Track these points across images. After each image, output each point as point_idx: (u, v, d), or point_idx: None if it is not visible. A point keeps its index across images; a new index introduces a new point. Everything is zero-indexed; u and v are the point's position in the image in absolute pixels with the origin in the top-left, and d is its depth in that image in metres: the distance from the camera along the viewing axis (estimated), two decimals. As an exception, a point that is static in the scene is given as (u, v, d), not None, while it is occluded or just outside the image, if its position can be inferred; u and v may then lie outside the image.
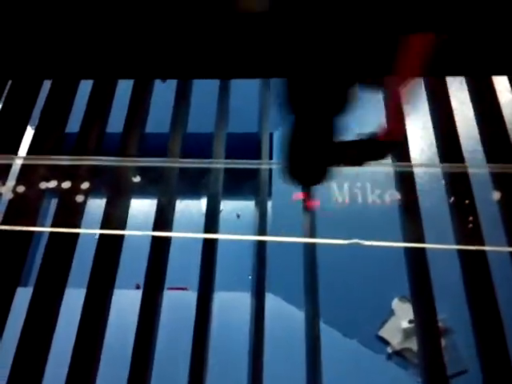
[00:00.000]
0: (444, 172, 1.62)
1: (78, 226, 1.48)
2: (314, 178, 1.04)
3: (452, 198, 1.58)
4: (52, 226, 1.48)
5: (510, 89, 1.81)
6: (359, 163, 1.04)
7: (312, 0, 0.85)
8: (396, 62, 0.91)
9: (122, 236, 1.52)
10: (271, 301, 2.15)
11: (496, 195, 1.59)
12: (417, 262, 1.56)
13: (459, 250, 1.55)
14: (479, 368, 1.45)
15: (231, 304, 1.94)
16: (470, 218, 1.54)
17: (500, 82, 1.80)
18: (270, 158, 1.94)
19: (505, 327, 1.43)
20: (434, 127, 1.74)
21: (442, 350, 1.49)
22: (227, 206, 3.15)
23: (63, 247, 1.50)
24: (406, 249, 1.58)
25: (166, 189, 1.59)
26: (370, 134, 1.02)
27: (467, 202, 1.57)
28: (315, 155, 0.98)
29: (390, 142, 1.00)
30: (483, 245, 1.52)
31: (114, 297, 1.52)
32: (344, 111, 0.94)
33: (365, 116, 1.22)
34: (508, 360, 1.40)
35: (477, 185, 1.59)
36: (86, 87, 1.78)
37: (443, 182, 1.60)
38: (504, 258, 1.54)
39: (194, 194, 1.74)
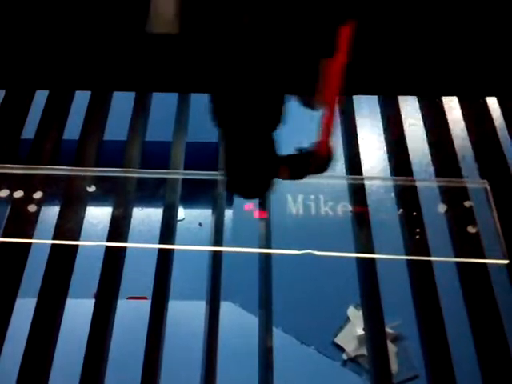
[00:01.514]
0: (394, 185, 1.69)
1: (31, 236, 1.47)
2: (253, 191, 1.07)
3: (401, 210, 1.65)
4: (3, 235, 1.46)
5: (459, 107, 1.91)
6: (293, 177, 1.08)
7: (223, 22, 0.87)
8: (320, 82, 0.95)
9: (76, 246, 1.51)
10: (228, 308, 2.18)
11: (442, 208, 1.66)
12: (367, 271, 1.61)
13: (407, 260, 1.62)
14: (426, 373, 1.51)
15: (186, 312, 1.95)
16: (418, 230, 1.61)
17: (449, 101, 1.90)
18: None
19: (448, 333, 1.50)
20: (386, 142, 1.82)
21: (389, 356, 1.55)
22: (189, 215, 3.16)
23: (14, 257, 1.48)
24: (358, 258, 1.64)
25: (122, 198, 1.59)
26: (302, 149, 1.06)
27: (415, 213, 1.64)
28: (249, 168, 1.00)
29: (320, 157, 1.05)
30: (429, 255, 1.59)
31: (67, 306, 1.51)
32: (274, 126, 0.97)
33: (297, 132, 1.27)
34: (451, 365, 1.47)
35: (424, 198, 1.67)
36: (41, 98, 1.77)
37: (392, 194, 1.66)
38: (449, 268, 1.61)
39: (152, 203, 1.74)
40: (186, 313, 1.96)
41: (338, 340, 2.41)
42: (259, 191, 1.09)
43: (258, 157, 1.00)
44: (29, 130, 1.75)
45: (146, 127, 1.87)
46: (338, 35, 0.91)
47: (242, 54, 0.91)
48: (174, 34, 0.93)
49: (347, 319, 2.43)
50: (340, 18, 0.90)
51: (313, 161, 1.06)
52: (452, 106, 1.89)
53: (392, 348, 2.30)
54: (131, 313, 1.82)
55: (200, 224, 3.49)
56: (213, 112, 0.98)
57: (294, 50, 0.94)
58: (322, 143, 1.04)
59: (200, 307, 1.68)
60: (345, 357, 2.38)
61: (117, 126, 1.83)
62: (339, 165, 1.67)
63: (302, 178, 1.10)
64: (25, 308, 1.46)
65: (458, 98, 1.90)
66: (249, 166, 1.01)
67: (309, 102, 1.07)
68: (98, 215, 1.73)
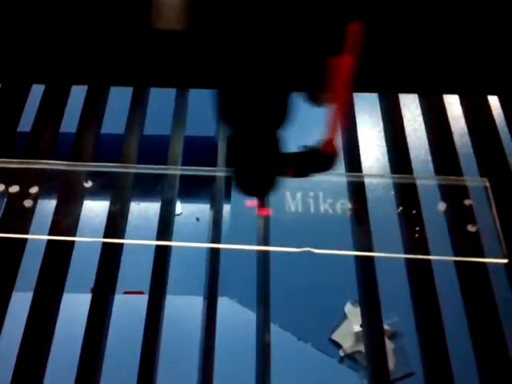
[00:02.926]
0: (393, 183, 1.67)
1: (27, 231, 1.46)
2: (259, 189, 1.07)
3: (400, 208, 1.63)
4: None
5: (459, 106, 1.89)
6: (298, 174, 1.07)
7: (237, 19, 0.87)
8: (327, 80, 0.95)
9: (73, 240, 1.50)
10: (226, 304, 2.17)
11: (442, 206, 1.65)
12: (365, 269, 1.61)
13: (406, 258, 1.61)
14: (423, 370, 1.51)
15: (184, 307, 1.94)
16: (417, 228, 1.60)
17: (450, 99, 1.88)
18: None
19: (446, 330, 1.50)
20: (386, 140, 1.81)
21: (386, 353, 1.55)
22: (187, 210, 3.14)
23: (10, 252, 1.47)
24: (356, 256, 1.63)
25: (119, 193, 1.57)
26: (308, 146, 1.05)
27: (414, 212, 1.63)
28: (257, 166, 1.00)
29: (326, 155, 1.04)
30: (428, 254, 1.58)
31: (64, 300, 1.50)
32: (280, 123, 0.97)
33: (305, 129, 1.26)
34: (448, 362, 1.47)
35: (424, 195, 1.66)
36: (37, 92, 1.75)
37: (392, 192, 1.65)
38: (448, 266, 1.60)
39: (149, 197, 1.73)
40: (182, 307, 1.95)
41: (335, 336, 2.41)
42: (264, 188, 1.09)
43: (263, 154, 1.00)
44: (25, 124, 1.73)
45: (143, 121, 1.85)
46: (346, 33, 0.90)
47: (249, 51, 0.89)
48: (180, 30, 0.91)
49: (344, 316, 2.43)
50: (348, 17, 0.89)
51: (319, 158, 1.05)
52: (453, 104, 1.87)
53: (389, 345, 2.29)
54: (128, 307, 1.81)
55: (197, 219, 3.48)
56: (218, 109, 0.97)
57: (302, 48, 0.93)
58: (329, 141, 1.03)
59: (197, 302, 1.68)
60: (341, 353, 2.38)
61: (114, 121, 1.81)
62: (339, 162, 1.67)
63: (307, 175, 1.09)
64: (21, 302, 1.45)
65: (459, 96, 1.88)
66: (254, 163, 1.00)
67: (315, 100, 1.06)
68: (94, 210, 1.72)
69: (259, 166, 1.00)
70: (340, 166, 1.66)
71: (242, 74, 0.91)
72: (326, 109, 1.01)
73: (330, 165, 1.06)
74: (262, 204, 1.63)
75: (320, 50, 0.96)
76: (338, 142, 1.04)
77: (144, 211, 2.91)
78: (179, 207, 3.30)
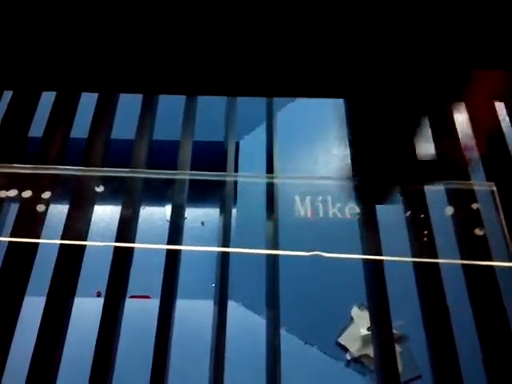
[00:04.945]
0: (402, 187, 1.69)
1: (39, 236, 1.47)
2: (386, 195, 1.04)
3: (408, 213, 1.65)
4: (11, 235, 1.46)
5: (465, 111, 1.91)
6: (428, 182, 1.05)
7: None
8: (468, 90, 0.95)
9: (84, 245, 1.51)
10: (234, 309, 2.18)
11: (449, 210, 1.67)
12: (374, 272, 1.62)
13: (414, 262, 1.62)
14: (431, 373, 1.52)
15: (193, 312, 1.95)
16: (425, 232, 1.61)
17: (456, 105, 1.89)
18: (236, 166, 1.97)
19: (454, 334, 1.50)
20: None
21: (396, 356, 1.55)
22: (192, 214, 3.16)
23: (23, 257, 1.48)
24: (365, 260, 1.64)
25: (130, 198, 1.59)
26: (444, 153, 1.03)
27: (422, 216, 1.64)
28: (389, 173, 0.99)
29: (463, 163, 1.03)
30: (436, 257, 1.59)
31: (75, 305, 1.51)
32: (413, 136, 0.96)
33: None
34: (457, 365, 1.47)
35: (431, 200, 1.67)
36: (47, 99, 1.77)
37: (400, 196, 1.67)
38: (456, 270, 1.62)
39: (159, 202, 1.75)
40: (192, 312, 1.97)
41: (342, 340, 2.42)
42: (390, 195, 1.06)
43: (396, 160, 0.98)
44: (36, 131, 1.75)
45: (153, 128, 1.87)
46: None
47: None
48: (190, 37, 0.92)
49: (351, 319, 2.44)
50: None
51: (454, 166, 1.04)
52: (459, 110, 1.89)
53: (396, 348, 2.30)
54: (139, 312, 1.82)
55: (202, 223, 3.50)
56: (348, 117, 0.95)
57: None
58: (466, 148, 1.02)
59: (206, 306, 1.69)
60: (348, 357, 2.39)
61: (124, 127, 1.82)
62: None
63: (436, 183, 1.07)
64: (34, 306, 1.46)
65: (465, 102, 1.89)
66: (385, 170, 0.99)
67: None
68: (105, 214, 1.74)
69: (390, 173, 0.99)
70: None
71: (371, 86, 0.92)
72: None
73: (464, 172, 1.04)
74: (267, 209, 1.64)
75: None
76: (474, 150, 1.04)
77: (149, 216, 2.92)
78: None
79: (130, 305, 1.59)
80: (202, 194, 1.90)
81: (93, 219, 1.60)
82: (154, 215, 2.96)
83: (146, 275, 2.20)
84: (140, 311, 1.86)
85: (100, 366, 1.42)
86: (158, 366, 1.43)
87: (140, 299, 2.70)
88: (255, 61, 0.93)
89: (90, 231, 1.58)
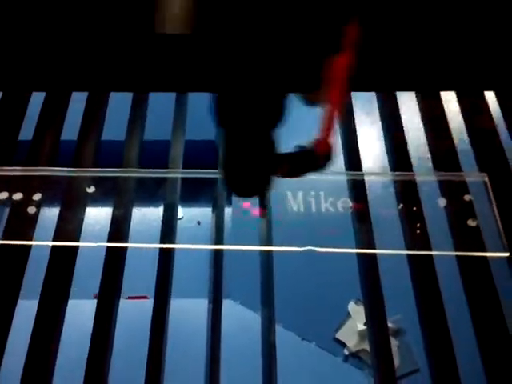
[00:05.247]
0: (393, 180, 1.69)
1: (31, 238, 1.46)
2: (250, 190, 1.07)
3: (401, 205, 1.65)
4: (3, 238, 1.45)
5: (456, 102, 1.91)
6: (291, 175, 1.08)
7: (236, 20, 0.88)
8: (324, 79, 0.96)
9: (77, 246, 1.51)
10: (229, 306, 2.17)
11: (442, 202, 1.67)
12: (368, 266, 1.62)
13: (408, 255, 1.62)
14: (428, 366, 1.52)
15: (189, 310, 1.95)
16: (418, 224, 1.61)
17: (447, 96, 1.90)
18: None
19: (450, 326, 1.51)
20: (385, 138, 1.83)
21: (391, 350, 1.55)
22: (188, 213, 3.14)
23: (15, 259, 1.47)
24: (358, 254, 1.64)
25: (122, 198, 1.58)
26: (302, 146, 1.06)
27: (415, 208, 1.64)
28: (249, 167, 1.01)
29: (320, 155, 1.05)
30: (430, 249, 1.59)
31: (69, 307, 1.51)
32: (275, 124, 0.98)
33: (298, 129, 1.28)
34: (453, 358, 1.48)
35: (424, 192, 1.67)
36: (37, 99, 1.76)
37: (393, 189, 1.67)
38: (449, 262, 1.62)
39: (151, 202, 1.74)
40: (187, 310, 1.96)
41: (339, 335, 2.42)
42: (257, 189, 1.10)
43: (257, 154, 1.01)
44: (26, 132, 1.74)
45: (143, 127, 1.86)
46: (343, 33, 0.91)
47: (245, 52, 0.91)
48: (184, 34, 0.93)
49: (348, 315, 2.44)
50: (345, 17, 0.90)
51: (313, 158, 1.06)
52: (450, 100, 1.89)
53: (393, 342, 2.30)
54: (134, 311, 1.82)
55: (198, 222, 3.49)
56: (215, 111, 0.98)
57: (298, 48, 0.94)
58: (323, 141, 1.04)
59: (201, 305, 1.68)
60: (346, 352, 2.39)
61: (115, 126, 1.82)
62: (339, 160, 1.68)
63: (301, 175, 1.10)
64: (27, 309, 1.45)
65: (456, 93, 1.90)
66: (248, 163, 1.01)
67: (311, 100, 1.07)
68: (97, 215, 1.73)
69: (253, 166, 1.01)
70: (338, 165, 1.66)
71: (238, 76, 0.93)
72: (321, 109, 1.02)
73: (323, 164, 1.07)
74: (259, 204, 1.64)
75: (316, 51, 0.97)
76: (334, 142, 1.05)
77: (143, 216, 2.91)
78: (180, 211, 3.31)
79: (125, 305, 1.59)
80: (197, 193, 1.89)
81: (85, 220, 1.60)
82: (149, 216, 2.95)
83: (142, 276, 2.19)
84: (136, 311, 1.85)
85: (95, 367, 1.42)
86: (153, 364, 1.43)
87: (138, 300, 2.69)
88: (246, 58, 0.93)
89: (82, 232, 1.57)
